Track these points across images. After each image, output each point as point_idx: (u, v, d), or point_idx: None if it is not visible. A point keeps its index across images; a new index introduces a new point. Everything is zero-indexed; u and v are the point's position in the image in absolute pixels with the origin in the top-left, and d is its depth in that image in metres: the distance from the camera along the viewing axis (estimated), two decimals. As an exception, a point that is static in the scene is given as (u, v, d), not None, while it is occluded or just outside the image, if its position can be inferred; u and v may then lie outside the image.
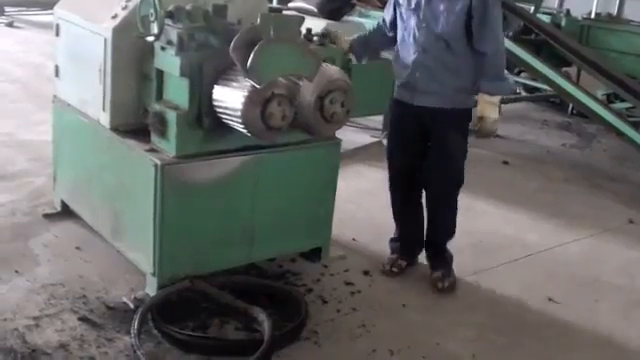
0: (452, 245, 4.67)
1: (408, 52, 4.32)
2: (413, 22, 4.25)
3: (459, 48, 4.21)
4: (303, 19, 3.76)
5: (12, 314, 3.72)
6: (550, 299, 4.57)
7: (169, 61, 3.72)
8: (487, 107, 4.31)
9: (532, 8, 8.96)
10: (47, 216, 4.82)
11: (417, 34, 4.24)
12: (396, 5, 4.40)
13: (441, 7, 4.14)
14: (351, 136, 7.06)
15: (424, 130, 4.42)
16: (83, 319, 3.73)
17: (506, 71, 4.40)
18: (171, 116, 3.75)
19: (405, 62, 4.36)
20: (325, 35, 4.32)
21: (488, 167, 7.21)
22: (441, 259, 4.62)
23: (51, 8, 4.78)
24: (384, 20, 4.58)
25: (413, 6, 4.23)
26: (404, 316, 4.19)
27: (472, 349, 3.94)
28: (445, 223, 4.62)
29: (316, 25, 4.61)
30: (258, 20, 3.47)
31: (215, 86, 3.69)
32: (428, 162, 4.46)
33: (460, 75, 4.29)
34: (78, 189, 4.64)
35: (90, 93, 4.21)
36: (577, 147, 8.50)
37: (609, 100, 8.97)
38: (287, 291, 4.14)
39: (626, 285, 4.91)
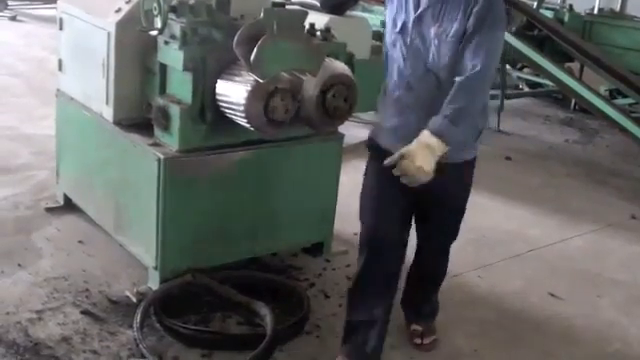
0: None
1: (392, 87, 3.35)
2: (398, 49, 3.29)
3: (450, 77, 3.17)
4: (306, 14, 3.75)
5: (15, 307, 3.73)
6: (552, 294, 4.57)
7: (172, 55, 3.73)
8: (420, 152, 3.03)
9: (535, 3, 8.96)
10: (50, 210, 4.82)
11: (402, 65, 3.28)
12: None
13: (432, 32, 3.15)
14: (354, 131, 7.03)
15: (416, 191, 3.22)
16: (86, 313, 3.73)
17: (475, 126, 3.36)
18: (174, 110, 3.75)
19: (389, 100, 3.39)
20: (328, 29, 4.32)
21: (490, 163, 7.19)
22: (427, 310, 3.93)
23: (54, 2, 4.78)
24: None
25: (398, 28, 3.27)
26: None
27: (474, 344, 3.95)
28: (441, 271, 3.90)
29: (319, 20, 4.60)
30: (261, 15, 3.47)
31: (218, 80, 3.69)
32: (426, 224, 3.62)
33: None
34: (81, 183, 4.65)
35: (93, 87, 4.21)
36: (580, 143, 8.49)
37: (612, 96, 8.97)
38: (289, 286, 4.14)
39: (628, 281, 4.91)
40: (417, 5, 3.19)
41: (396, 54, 3.29)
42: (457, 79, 3.06)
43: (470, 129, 3.28)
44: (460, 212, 3.69)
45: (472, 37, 3.06)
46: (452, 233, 3.72)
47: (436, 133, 3.04)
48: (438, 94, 3.15)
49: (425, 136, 3.05)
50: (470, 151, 3.54)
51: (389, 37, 3.33)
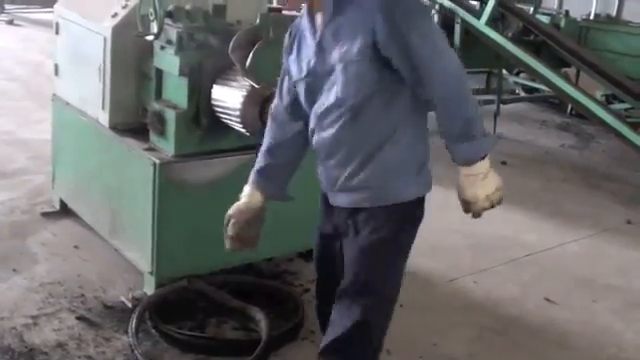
0: (451, 245, 4.66)
1: (310, 133, 2.72)
2: (305, 92, 2.66)
3: (378, 111, 2.52)
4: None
5: (10, 313, 3.73)
6: (548, 299, 4.57)
7: (168, 60, 3.73)
8: (470, 183, 2.58)
9: (531, 9, 8.98)
10: (46, 214, 4.82)
11: (314, 107, 2.63)
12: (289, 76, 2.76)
13: (335, 55, 2.49)
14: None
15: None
16: (81, 318, 3.73)
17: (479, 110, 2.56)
18: (170, 115, 3.75)
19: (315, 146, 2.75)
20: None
21: (487, 167, 7.21)
22: None
23: (51, 6, 4.79)
24: (278, 109, 2.87)
25: (304, 74, 2.63)
26: (401, 316, 4.15)
27: (470, 349, 3.94)
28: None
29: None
30: (257, 20, 3.48)
31: (214, 86, 3.70)
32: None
33: (382, 153, 2.57)
34: (77, 188, 4.65)
35: (89, 92, 4.22)
36: (576, 148, 8.51)
37: (608, 101, 8.98)
38: (284, 291, 4.14)
39: (624, 286, 4.91)
40: (314, 32, 2.59)
41: (306, 98, 2.66)
42: (435, 99, 2.46)
43: (406, 153, 2.61)
44: (371, 295, 2.64)
45: (405, 50, 2.40)
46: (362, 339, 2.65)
47: (467, 162, 2.54)
48: (356, 130, 2.54)
49: (464, 174, 2.57)
50: (406, 188, 2.66)
51: (298, 86, 2.69)
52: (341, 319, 2.63)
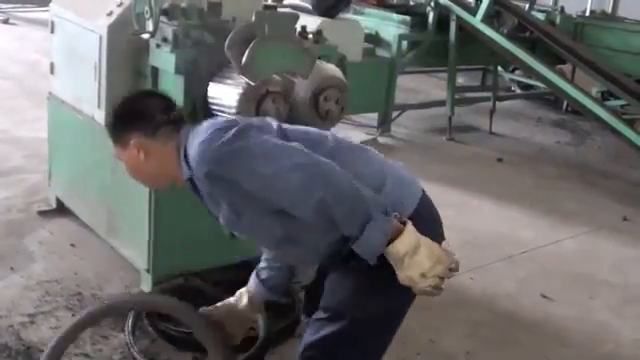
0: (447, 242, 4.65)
1: None
2: None
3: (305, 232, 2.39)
4: (298, 16, 3.76)
5: (7, 311, 3.73)
6: (544, 296, 4.58)
7: (164, 58, 3.73)
8: (398, 267, 2.24)
9: (526, 5, 8.98)
10: (42, 213, 4.82)
11: None
12: None
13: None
14: (345, 133, 7.06)
15: None
16: (78, 316, 3.73)
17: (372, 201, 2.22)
18: (166, 113, 3.75)
19: None
20: (320, 32, 4.32)
21: (482, 164, 7.23)
22: None
23: (47, 5, 4.78)
24: None
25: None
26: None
27: (466, 346, 3.95)
28: None
29: (311, 22, 4.60)
30: (253, 17, 3.47)
31: (210, 83, 3.69)
32: None
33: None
34: (73, 186, 4.64)
35: (85, 90, 4.21)
36: (571, 144, 8.53)
37: (604, 98, 9.00)
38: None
39: (620, 282, 4.93)
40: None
41: None
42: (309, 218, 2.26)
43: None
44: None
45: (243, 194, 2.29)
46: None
47: (373, 255, 2.23)
48: (294, 260, 2.75)
49: (391, 262, 2.25)
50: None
51: None
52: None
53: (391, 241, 2.19)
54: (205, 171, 2.28)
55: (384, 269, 2.26)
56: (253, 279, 2.96)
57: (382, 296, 2.37)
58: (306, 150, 2.24)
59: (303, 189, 2.18)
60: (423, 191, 2.52)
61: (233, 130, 2.28)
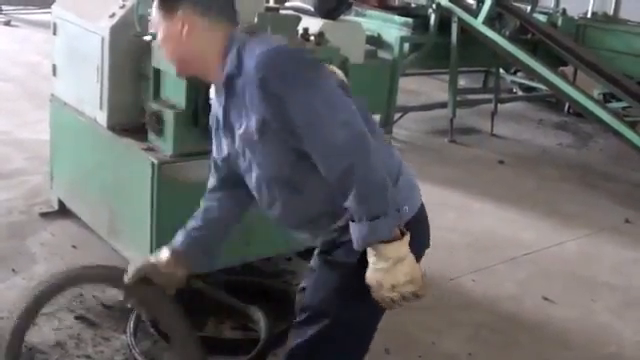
0: (449, 244, 4.66)
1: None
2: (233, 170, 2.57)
3: (310, 180, 2.28)
4: (300, 18, 3.76)
5: (9, 313, 3.70)
6: (546, 298, 4.58)
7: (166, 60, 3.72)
8: (383, 275, 2.16)
9: (528, 7, 8.98)
10: (44, 215, 4.82)
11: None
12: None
13: (237, 137, 2.35)
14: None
15: None
16: (80, 318, 3.73)
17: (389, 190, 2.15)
18: (168, 115, 3.75)
19: None
20: (322, 34, 4.32)
21: (484, 166, 7.23)
22: None
23: (48, 7, 4.78)
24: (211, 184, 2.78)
25: (225, 152, 2.52)
26: (400, 315, 4.15)
27: (468, 348, 3.95)
28: None
29: (313, 24, 4.60)
30: (255, 19, 3.48)
31: (212, 85, 3.69)
32: None
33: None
34: (75, 188, 4.64)
35: (87, 92, 4.21)
36: (573, 146, 8.52)
37: (605, 100, 8.99)
38: (283, 290, 4.14)
39: (622, 285, 4.92)
40: (221, 112, 2.41)
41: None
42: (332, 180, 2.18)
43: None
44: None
45: (286, 120, 2.16)
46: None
47: (363, 244, 2.17)
48: (280, 209, 2.41)
49: (370, 254, 2.19)
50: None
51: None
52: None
53: (387, 241, 2.14)
54: (261, 76, 2.13)
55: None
56: (180, 232, 2.71)
57: (365, 296, 2.24)
58: (360, 119, 2.17)
59: (343, 149, 2.11)
60: (421, 200, 2.49)
61: (310, 58, 2.24)
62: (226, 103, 2.34)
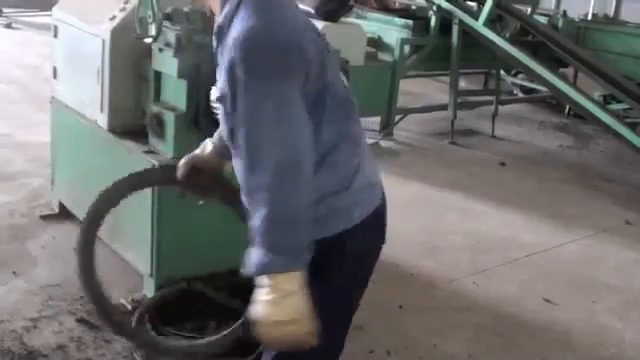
0: (450, 246, 4.66)
1: None
2: None
3: None
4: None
5: (10, 315, 3.73)
6: (547, 300, 4.58)
7: (167, 62, 3.73)
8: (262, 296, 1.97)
9: (529, 9, 8.99)
10: (45, 217, 4.82)
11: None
12: None
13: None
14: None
15: None
16: (81, 321, 3.73)
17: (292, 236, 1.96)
18: (169, 117, 3.75)
19: None
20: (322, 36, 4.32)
21: (485, 168, 7.23)
22: None
23: (49, 9, 4.79)
24: None
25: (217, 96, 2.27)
26: (401, 317, 4.20)
27: (469, 350, 3.95)
28: None
29: (313, 27, 4.61)
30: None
31: (213, 87, 3.69)
32: None
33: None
34: (76, 190, 4.64)
35: (88, 94, 4.22)
36: (574, 148, 8.52)
37: (606, 101, 8.99)
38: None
39: (623, 286, 4.92)
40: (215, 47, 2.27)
41: None
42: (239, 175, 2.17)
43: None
44: None
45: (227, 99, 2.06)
46: None
47: (260, 273, 1.98)
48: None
49: (259, 283, 2.00)
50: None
51: None
52: None
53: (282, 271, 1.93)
54: (233, 55, 1.98)
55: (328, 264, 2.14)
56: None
57: (320, 303, 2.03)
58: (306, 143, 1.97)
59: (266, 166, 1.92)
60: (383, 195, 2.35)
61: (286, 57, 1.99)
62: (217, 47, 2.21)
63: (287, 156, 1.92)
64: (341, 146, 2.15)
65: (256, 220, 1.95)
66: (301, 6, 4.87)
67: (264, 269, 1.94)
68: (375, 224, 2.31)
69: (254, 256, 1.96)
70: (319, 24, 5.99)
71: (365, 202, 2.25)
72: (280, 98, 1.94)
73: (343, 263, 2.22)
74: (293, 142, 1.94)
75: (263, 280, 1.95)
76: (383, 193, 2.36)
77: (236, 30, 2.02)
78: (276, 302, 1.92)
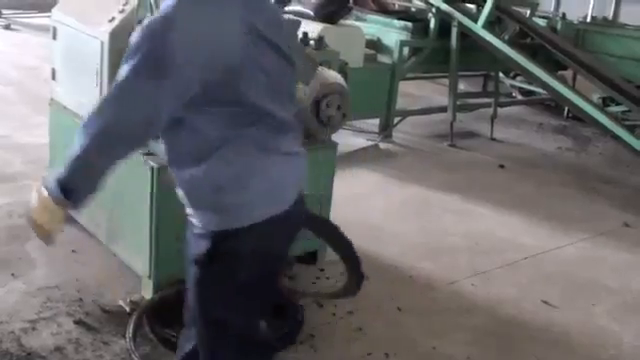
0: (449, 248, 4.66)
1: None
2: None
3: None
4: (300, 23, 3.76)
5: (8, 317, 3.72)
6: (546, 302, 4.57)
7: (166, 64, 3.72)
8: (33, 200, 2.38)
9: (528, 12, 8.99)
10: (43, 219, 4.81)
11: None
12: None
13: None
14: (347, 139, 7.07)
15: None
16: (79, 322, 3.73)
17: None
18: (167, 119, 3.75)
19: None
20: (321, 38, 4.33)
21: (484, 170, 7.23)
22: None
23: (48, 11, 4.79)
24: None
25: None
26: (400, 319, 4.20)
27: (468, 352, 3.94)
28: None
29: (313, 29, 4.61)
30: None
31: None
32: None
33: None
34: (74, 192, 4.63)
35: (87, 96, 4.21)
36: (573, 150, 8.52)
37: (605, 104, 9.00)
38: (283, 294, 4.14)
39: (621, 288, 4.92)
40: None
41: None
42: None
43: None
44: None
45: None
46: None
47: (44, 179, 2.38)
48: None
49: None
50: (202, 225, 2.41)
51: None
52: None
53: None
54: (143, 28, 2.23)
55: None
56: None
57: (220, 289, 2.39)
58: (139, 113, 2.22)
59: (100, 108, 2.26)
60: (295, 207, 2.44)
61: (156, 48, 2.16)
62: None
63: (112, 124, 2.24)
64: (237, 145, 2.28)
65: (74, 147, 2.33)
66: (301, 8, 4.83)
67: (48, 184, 2.31)
68: (274, 230, 2.39)
69: (54, 172, 2.34)
70: (318, 26, 6.00)
71: (262, 206, 2.35)
72: (133, 84, 2.19)
73: (236, 257, 2.36)
74: (121, 118, 2.23)
75: (43, 186, 2.32)
76: (298, 206, 2.46)
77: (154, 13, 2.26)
78: (39, 209, 2.32)
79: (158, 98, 2.19)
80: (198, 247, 2.38)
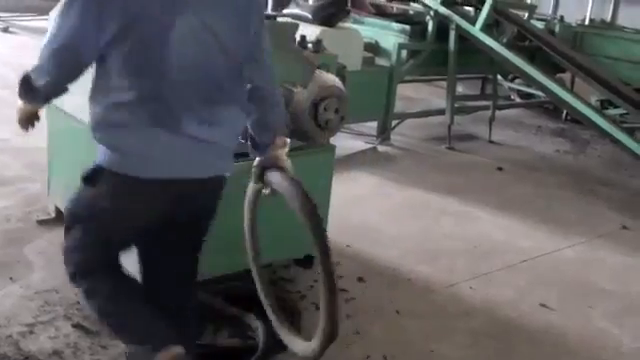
0: (447, 251, 4.65)
1: None
2: None
3: None
4: (298, 26, 3.77)
5: (6, 321, 3.72)
6: (544, 305, 4.57)
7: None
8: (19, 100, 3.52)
9: (526, 14, 9.00)
10: (41, 222, 4.81)
11: None
12: None
13: None
14: (345, 142, 7.07)
15: None
16: (77, 326, 3.72)
17: None
18: (165, 122, 3.74)
19: None
20: (319, 41, 4.33)
21: (482, 173, 7.23)
22: None
23: (46, 14, 4.77)
24: None
25: None
26: (398, 322, 4.19)
27: (466, 355, 3.94)
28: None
29: (311, 31, 4.61)
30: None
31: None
32: None
33: None
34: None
35: (85, 99, 4.19)
36: (571, 153, 8.53)
37: (603, 106, 9.01)
38: (281, 298, 4.13)
39: (619, 291, 4.92)
40: None
41: None
42: None
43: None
44: None
45: None
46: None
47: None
48: None
49: None
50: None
51: None
52: None
53: None
54: None
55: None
56: None
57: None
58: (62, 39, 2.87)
59: (44, 47, 2.97)
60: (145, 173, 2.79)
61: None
62: None
63: (52, 43, 2.91)
64: (117, 92, 2.87)
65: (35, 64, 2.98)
66: (299, 11, 4.83)
67: (20, 89, 3.30)
68: (130, 189, 2.79)
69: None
70: (316, 29, 6.00)
71: (122, 159, 2.78)
72: (68, 13, 2.76)
73: (100, 190, 2.89)
74: (59, 40, 2.88)
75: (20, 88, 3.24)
76: (193, 187, 2.96)
77: None
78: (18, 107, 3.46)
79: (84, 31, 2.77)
80: (89, 166, 2.92)
